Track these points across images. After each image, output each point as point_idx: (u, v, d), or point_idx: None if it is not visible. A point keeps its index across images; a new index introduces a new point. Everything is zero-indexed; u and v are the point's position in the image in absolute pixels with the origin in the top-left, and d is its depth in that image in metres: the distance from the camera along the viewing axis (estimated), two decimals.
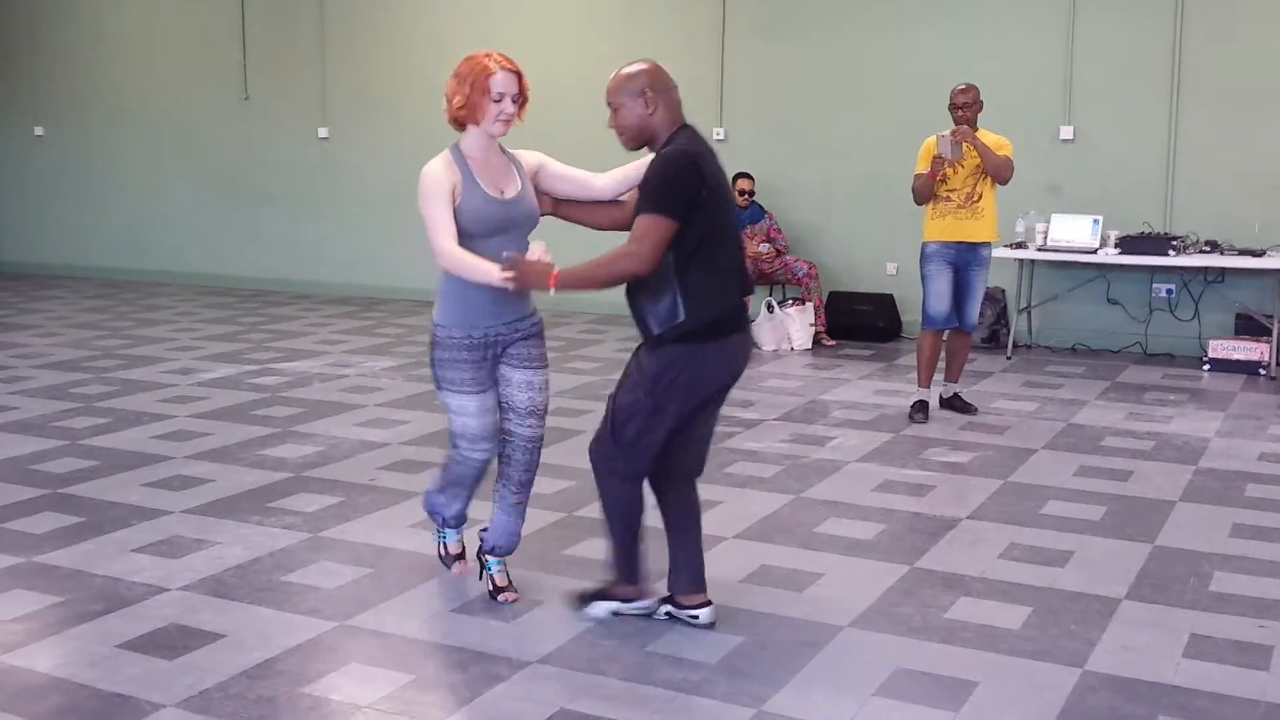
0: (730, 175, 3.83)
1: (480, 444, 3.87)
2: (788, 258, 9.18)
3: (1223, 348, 8.02)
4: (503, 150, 3.87)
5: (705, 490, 5.08)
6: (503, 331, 3.82)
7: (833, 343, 9.01)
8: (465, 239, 3.69)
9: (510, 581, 4.05)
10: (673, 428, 3.65)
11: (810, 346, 8.84)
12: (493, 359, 3.84)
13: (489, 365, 3.83)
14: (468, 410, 3.82)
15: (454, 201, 3.70)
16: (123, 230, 12.63)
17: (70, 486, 5.29)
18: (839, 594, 4.10)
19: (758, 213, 9.16)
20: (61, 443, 6.02)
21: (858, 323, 9.18)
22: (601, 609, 3.87)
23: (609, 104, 3.63)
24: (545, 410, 3.94)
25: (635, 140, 3.63)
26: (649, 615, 3.85)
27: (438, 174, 3.72)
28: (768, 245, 9.09)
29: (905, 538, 4.70)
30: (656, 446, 3.66)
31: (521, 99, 3.77)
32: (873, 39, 9.28)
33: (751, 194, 9.10)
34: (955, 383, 6.86)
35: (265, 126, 11.74)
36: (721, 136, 9.46)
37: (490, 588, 4.05)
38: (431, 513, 4.18)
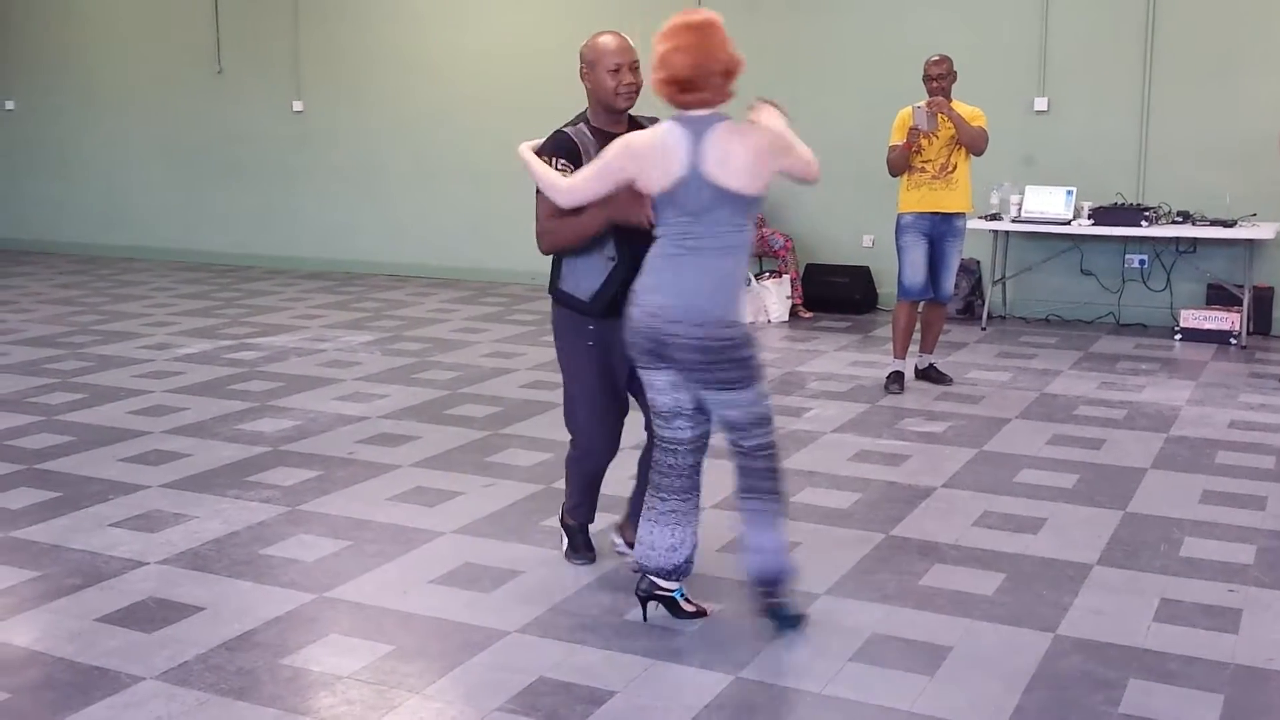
0: None
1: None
2: (764, 230, 9.19)
3: (1194, 318, 8.08)
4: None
5: None
6: None
7: (809, 315, 9.04)
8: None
9: None
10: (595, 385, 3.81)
11: (787, 319, 8.87)
12: None
13: None
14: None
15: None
16: (97, 205, 12.53)
17: (47, 462, 5.27)
18: (815, 562, 4.12)
19: None
20: (38, 418, 6.00)
21: (834, 295, 9.20)
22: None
23: None
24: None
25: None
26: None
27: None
28: None
29: (881, 506, 4.74)
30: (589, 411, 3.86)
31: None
32: (849, 11, 9.26)
33: None
34: (930, 353, 6.90)
35: (239, 100, 11.64)
36: None
37: (692, 609, 3.69)
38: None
